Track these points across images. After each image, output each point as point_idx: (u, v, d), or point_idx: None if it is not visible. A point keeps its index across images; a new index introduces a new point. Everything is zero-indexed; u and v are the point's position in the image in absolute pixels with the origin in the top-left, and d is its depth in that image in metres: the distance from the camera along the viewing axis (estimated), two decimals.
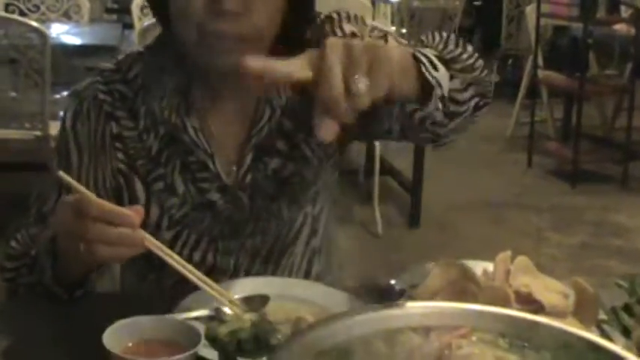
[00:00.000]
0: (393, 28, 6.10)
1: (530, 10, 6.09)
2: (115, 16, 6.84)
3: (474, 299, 1.09)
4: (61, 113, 4.05)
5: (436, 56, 1.20)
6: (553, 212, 4.83)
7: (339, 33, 1.42)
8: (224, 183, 1.40)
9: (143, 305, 1.13)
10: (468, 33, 7.62)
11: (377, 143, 1.33)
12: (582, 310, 1.12)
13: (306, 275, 1.48)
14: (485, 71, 1.31)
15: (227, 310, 1.16)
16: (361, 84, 0.90)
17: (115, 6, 7.13)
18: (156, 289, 1.43)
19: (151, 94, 1.38)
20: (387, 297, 1.20)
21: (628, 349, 0.77)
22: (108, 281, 1.58)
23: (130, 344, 1.05)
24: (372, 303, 1.17)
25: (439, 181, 4.77)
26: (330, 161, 1.49)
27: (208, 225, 1.41)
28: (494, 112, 8.09)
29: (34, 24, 3.86)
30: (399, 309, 0.83)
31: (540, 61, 5.82)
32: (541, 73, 5.81)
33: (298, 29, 1.37)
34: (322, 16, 1.48)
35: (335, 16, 1.46)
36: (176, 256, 1.20)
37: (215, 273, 1.39)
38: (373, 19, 6.19)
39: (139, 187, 1.40)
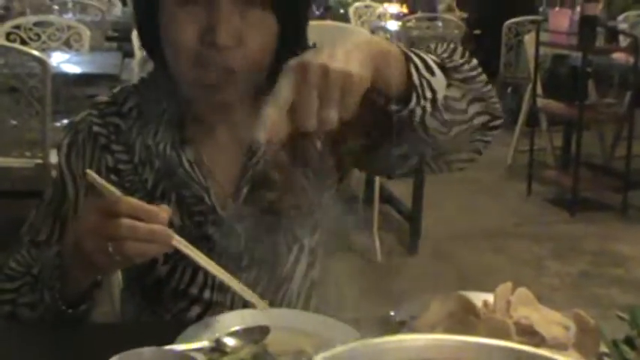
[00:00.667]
0: None
1: (529, 38, 6.12)
2: (115, 45, 6.87)
3: (474, 331, 1.09)
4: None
5: (436, 62, 1.20)
6: (552, 241, 4.82)
7: None
8: (220, 216, 1.39)
9: (144, 336, 1.12)
10: None
11: None
12: (583, 343, 1.12)
13: (305, 307, 1.48)
14: (490, 87, 1.32)
15: (228, 341, 1.16)
16: (332, 114, 0.98)
17: (116, 34, 7.16)
18: (156, 321, 1.43)
19: (146, 128, 1.39)
20: (386, 329, 1.20)
21: None
22: (109, 311, 1.58)
23: None
24: (372, 334, 1.17)
25: (438, 210, 4.77)
26: (330, 192, 1.48)
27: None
28: (494, 140, 8.05)
29: (35, 53, 3.88)
30: (399, 341, 0.83)
31: (539, 90, 5.83)
32: (540, 102, 5.82)
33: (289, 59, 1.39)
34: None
35: None
36: (204, 257, 1.23)
37: (212, 308, 1.38)
38: None
39: None
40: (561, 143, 6.17)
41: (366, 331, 1.19)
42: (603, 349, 1.14)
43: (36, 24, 5.43)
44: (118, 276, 1.63)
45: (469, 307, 1.15)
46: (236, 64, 1.27)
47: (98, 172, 1.37)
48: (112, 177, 1.39)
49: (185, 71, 1.29)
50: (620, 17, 7.53)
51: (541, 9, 7.76)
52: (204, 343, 1.16)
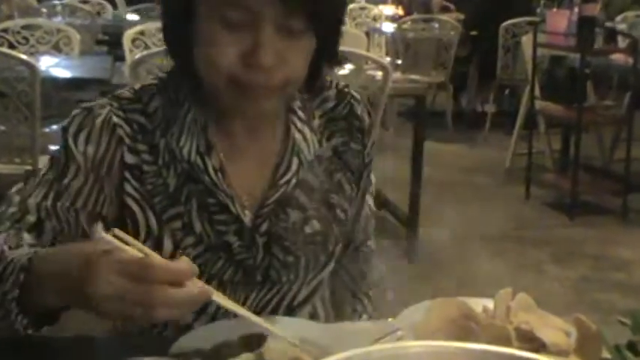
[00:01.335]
0: (388, 59, 6.13)
1: (526, 40, 6.13)
2: (105, 48, 6.87)
3: (475, 338, 1.09)
4: (52, 147, 4.06)
5: None
6: (552, 245, 4.83)
7: (363, 118, 1.51)
8: (243, 226, 1.39)
9: (139, 347, 1.12)
10: (464, 63, 7.66)
11: (372, 177, 1.35)
12: (585, 348, 1.12)
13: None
14: None
15: (225, 348, 1.16)
16: None
17: (106, 38, 7.16)
18: (151, 331, 1.41)
19: (170, 130, 1.37)
20: (385, 336, 1.20)
21: None
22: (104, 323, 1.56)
23: None
24: (371, 342, 1.17)
25: (436, 215, 4.76)
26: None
27: (220, 268, 1.39)
28: (491, 143, 8.16)
29: (24, 57, 3.88)
30: (398, 349, 0.83)
31: (537, 92, 5.84)
32: (538, 104, 5.82)
33: (320, 73, 1.41)
34: (346, 88, 1.53)
35: (358, 96, 1.53)
36: (240, 307, 1.19)
37: (219, 318, 1.37)
38: (368, 50, 6.23)
39: (152, 222, 1.38)
40: (560, 146, 6.18)
41: (364, 339, 1.19)
42: (605, 354, 1.14)
43: (24, 27, 5.40)
44: None
45: (469, 314, 1.15)
46: (276, 82, 1.28)
47: (110, 164, 1.36)
48: (127, 174, 1.36)
49: (222, 86, 1.29)
50: (619, 18, 7.54)
51: (538, 10, 7.76)
52: (199, 351, 1.17)
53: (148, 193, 1.37)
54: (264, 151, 1.43)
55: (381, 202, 4.64)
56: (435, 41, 7.33)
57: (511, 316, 1.16)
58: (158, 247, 1.37)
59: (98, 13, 8.16)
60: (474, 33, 7.63)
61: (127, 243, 1.07)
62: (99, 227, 1.17)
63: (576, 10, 5.92)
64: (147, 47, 4.57)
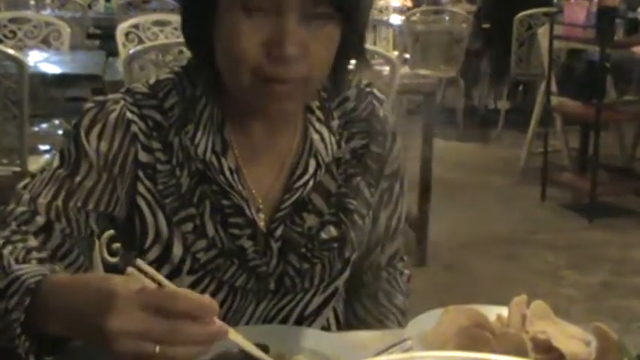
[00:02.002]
0: (396, 53, 6.14)
1: (542, 32, 6.12)
2: (97, 43, 6.89)
3: (488, 347, 1.09)
4: (42, 147, 4.05)
5: None
6: (570, 249, 4.83)
7: (386, 120, 1.51)
8: (258, 230, 1.39)
9: None
10: (476, 57, 7.67)
11: (404, 191, 1.35)
12: (605, 359, 1.12)
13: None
14: None
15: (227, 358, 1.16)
16: None
17: (98, 32, 7.19)
18: None
19: (186, 129, 1.37)
20: (395, 345, 1.20)
21: None
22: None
23: None
24: (380, 351, 1.17)
25: (447, 217, 4.77)
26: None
27: (232, 274, 1.39)
28: (505, 142, 8.17)
29: (11, 52, 3.88)
30: (409, 358, 0.83)
31: (554, 87, 5.84)
32: (555, 100, 5.83)
33: (347, 66, 1.41)
34: (367, 87, 1.53)
35: (381, 96, 1.54)
36: (257, 350, 1.15)
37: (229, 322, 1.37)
38: (374, 43, 6.24)
39: (162, 224, 1.37)
40: (578, 144, 6.18)
41: (374, 348, 1.19)
42: None
43: (11, 20, 5.42)
44: None
45: (482, 322, 1.15)
46: (303, 74, 1.27)
47: (124, 162, 1.35)
48: (140, 173, 1.36)
49: (246, 82, 1.27)
50: None
51: (555, 0, 7.77)
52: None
53: (160, 194, 1.37)
54: (281, 152, 1.42)
55: None
56: (446, 34, 7.33)
57: (527, 324, 1.16)
58: (167, 251, 1.38)
59: (89, 6, 8.16)
60: (486, 25, 7.63)
61: (148, 274, 1.05)
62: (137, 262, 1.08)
63: (596, 0, 5.92)
64: (141, 41, 4.57)
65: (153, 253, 1.38)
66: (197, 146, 1.36)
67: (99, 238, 1.56)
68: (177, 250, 1.38)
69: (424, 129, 4.44)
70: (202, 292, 1.35)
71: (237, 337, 1.11)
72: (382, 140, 1.50)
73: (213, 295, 1.38)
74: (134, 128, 1.36)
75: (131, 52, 3.81)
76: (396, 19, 7.57)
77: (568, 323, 1.19)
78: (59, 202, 1.33)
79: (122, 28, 4.76)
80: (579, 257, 4.71)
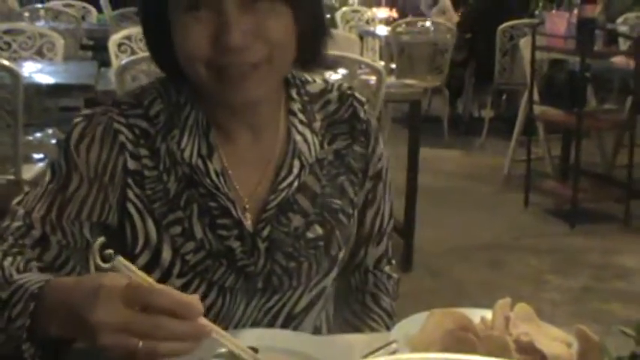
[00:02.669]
0: (382, 63, 6.15)
1: (524, 43, 6.14)
2: (90, 54, 6.87)
3: (473, 349, 1.09)
4: (36, 156, 4.03)
5: None
6: (552, 254, 4.84)
7: (367, 121, 1.51)
8: (245, 231, 1.39)
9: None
10: (460, 67, 7.68)
11: (388, 194, 1.35)
12: None
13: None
14: None
15: None
16: None
17: (91, 43, 7.17)
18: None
19: (170, 134, 1.38)
20: (379, 349, 1.20)
21: None
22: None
23: None
24: (367, 354, 1.17)
25: (433, 223, 4.78)
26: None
27: (221, 275, 1.39)
28: (489, 150, 8.17)
29: (5, 63, 3.86)
30: None
31: (536, 96, 5.85)
32: (537, 109, 5.84)
33: (314, 52, 1.40)
34: (348, 90, 1.52)
35: (362, 98, 1.53)
36: (246, 349, 1.16)
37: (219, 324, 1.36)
38: (361, 54, 6.25)
39: (150, 228, 1.37)
40: (560, 152, 6.20)
41: (361, 351, 1.19)
42: None
43: (6, 32, 5.41)
44: None
45: (466, 325, 1.15)
46: (253, 59, 1.28)
47: (113, 171, 1.36)
48: (129, 180, 1.36)
49: (203, 76, 1.29)
50: (620, 19, 7.56)
51: (537, 12, 7.80)
52: None
53: (148, 199, 1.37)
54: (265, 154, 1.43)
55: None
56: (431, 45, 7.35)
57: (510, 327, 1.16)
58: (157, 255, 1.38)
59: (83, 17, 8.15)
60: (470, 36, 7.65)
61: (132, 271, 1.06)
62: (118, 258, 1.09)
63: (576, 11, 5.95)
64: (133, 52, 4.57)
65: (143, 258, 1.38)
66: (183, 151, 1.37)
67: None
68: (167, 254, 1.38)
69: (410, 137, 4.45)
70: (193, 294, 1.34)
71: (222, 337, 1.12)
72: (364, 141, 1.51)
73: (204, 296, 1.38)
74: (121, 138, 1.36)
75: (123, 62, 3.81)
76: (383, 30, 7.60)
77: (550, 326, 1.19)
78: (53, 215, 1.34)
79: (114, 39, 4.75)
80: (561, 262, 4.72)
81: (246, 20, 1.25)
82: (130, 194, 1.37)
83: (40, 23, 6.90)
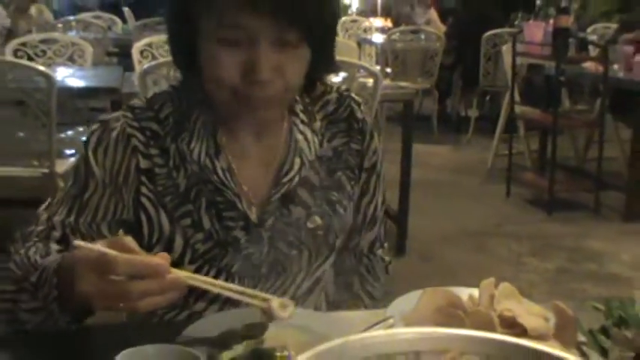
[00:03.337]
0: (379, 67, 6.13)
1: (506, 49, 6.14)
2: (115, 60, 6.87)
3: (461, 324, 1.09)
4: (67, 151, 4.03)
5: None
6: (531, 239, 4.84)
7: (363, 120, 1.50)
8: (249, 222, 1.39)
9: (148, 335, 1.12)
10: (448, 71, 7.67)
11: (381, 184, 1.33)
12: (562, 333, 1.12)
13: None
14: None
15: (228, 337, 1.15)
16: None
17: (116, 50, 7.17)
18: (160, 320, 1.41)
19: (181, 135, 1.37)
20: (379, 323, 1.20)
21: None
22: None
23: None
24: (366, 328, 1.17)
25: (424, 212, 4.78)
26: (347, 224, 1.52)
27: (228, 262, 1.39)
28: (474, 146, 8.14)
29: (41, 68, 3.86)
30: (392, 335, 0.83)
31: (517, 97, 5.85)
32: (517, 109, 5.84)
33: (321, 79, 1.42)
34: (346, 92, 1.52)
35: (358, 99, 1.52)
36: (216, 282, 1.19)
37: (228, 307, 1.37)
38: (359, 59, 6.23)
39: (164, 221, 1.37)
40: (538, 147, 6.19)
41: (361, 326, 1.19)
42: (581, 338, 1.14)
43: (41, 41, 5.42)
44: None
45: (455, 302, 1.15)
46: (274, 93, 1.28)
47: (127, 172, 1.36)
48: (143, 178, 1.37)
49: (226, 99, 1.29)
50: (590, 29, 7.59)
51: (517, 22, 7.78)
52: (205, 339, 1.16)
53: (160, 194, 1.37)
54: (269, 152, 1.42)
55: None
56: (422, 51, 7.34)
57: (495, 303, 1.16)
58: (170, 245, 1.37)
59: (109, 28, 8.16)
60: (456, 43, 7.63)
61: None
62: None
63: (551, 21, 5.93)
64: (154, 58, 4.56)
65: (159, 248, 1.38)
66: (192, 150, 1.36)
67: None
68: (179, 243, 1.38)
69: (403, 134, 4.44)
70: None
71: (196, 281, 1.13)
72: (360, 138, 1.50)
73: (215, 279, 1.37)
74: (134, 141, 1.36)
75: (145, 67, 3.80)
76: (379, 38, 7.59)
77: (530, 302, 1.19)
78: (72, 218, 1.35)
79: (137, 46, 4.75)
80: (539, 246, 4.72)
81: (273, 58, 1.25)
82: (144, 190, 1.37)
83: (72, 33, 6.89)
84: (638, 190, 5.28)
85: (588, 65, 5.58)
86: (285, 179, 1.41)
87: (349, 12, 11.05)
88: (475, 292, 1.21)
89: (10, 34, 6.28)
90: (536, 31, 6.04)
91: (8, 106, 3.84)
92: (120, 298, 1.06)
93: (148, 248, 1.37)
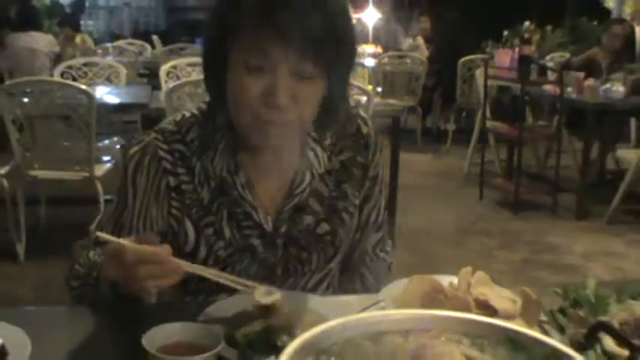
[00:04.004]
0: (370, 87, 6.13)
1: (479, 73, 6.14)
2: (145, 80, 6.87)
3: (443, 306, 1.09)
4: (105, 158, 4.05)
5: None
6: (500, 235, 4.83)
7: (369, 136, 1.47)
8: (264, 231, 1.37)
9: (174, 314, 1.12)
10: (430, 91, 7.67)
11: (381, 191, 1.30)
12: (527, 313, 1.12)
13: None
14: None
15: (242, 317, 1.15)
16: None
17: (147, 72, 7.18)
18: (183, 301, 1.41)
19: (205, 154, 1.35)
20: (373, 306, 1.20)
21: (563, 343, 0.78)
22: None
23: (164, 345, 1.04)
24: (361, 310, 1.17)
25: (408, 212, 4.77)
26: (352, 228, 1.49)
27: (247, 265, 1.37)
28: (453, 154, 8.13)
29: (83, 87, 3.88)
30: (384, 315, 0.83)
31: (488, 114, 5.85)
32: (489, 123, 5.83)
33: (335, 108, 1.34)
34: (354, 110, 1.48)
35: (365, 116, 1.48)
36: (210, 270, 1.21)
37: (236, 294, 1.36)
38: (354, 79, 6.22)
39: (190, 230, 1.36)
40: (506, 156, 6.19)
41: (357, 308, 1.19)
42: (543, 317, 1.15)
43: (84, 64, 5.44)
44: None
45: (438, 288, 1.15)
46: (291, 119, 1.25)
47: (158, 191, 1.35)
48: (173, 194, 1.36)
49: (246, 122, 1.26)
50: (548, 57, 7.64)
51: (488, 49, 7.80)
52: (224, 318, 1.16)
53: (186, 207, 1.35)
54: (283, 167, 1.39)
55: None
56: (407, 73, 7.33)
57: (471, 289, 1.16)
58: (195, 251, 1.36)
59: (140, 53, 8.16)
60: (437, 67, 7.64)
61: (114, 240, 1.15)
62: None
63: (517, 49, 5.95)
64: (178, 78, 4.57)
65: (185, 253, 1.36)
66: (215, 167, 1.35)
67: None
68: (203, 250, 1.36)
69: (391, 144, 4.44)
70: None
71: (193, 268, 1.17)
72: (365, 152, 1.46)
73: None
74: (164, 164, 1.35)
75: (170, 86, 3.81)
76: (370, 62, 7.58)
77: (501, 288, 1.19)
78: (115, 233, 1.33)
79: (164, 68, 4.76)
80: (507, 241, 4.72)
81: (291, 86, 1.22)
82: (173, 204, 1.36)
83: (109, 57, 6.90)
84: (588, 193, 5.29)
85: (547, 87, 5.59)
86: (297, 191, 1.39)
87: None
88: (454, 279, 1.21)
89: (59, 58, 6.29)
90: (504, 57, 6.05)
91: (56, 120, 3.86)
92: (131, 280, 1.10)
93: (177, 254, 1.36)
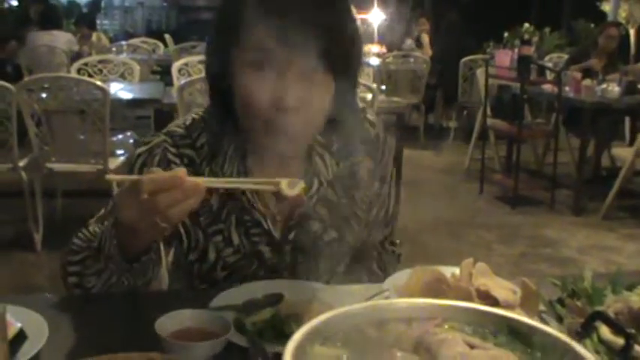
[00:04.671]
0: (375, 85, 6.11)
1: (480, 72, 6.13)
2: (158, 77, 6.88)
3: (445, 296, 1.09)
4: (118, 151, 4.05)
5: None
6: (498, 229, 4.82)
7: (377, 139, 1.43)
8: (273, 238, 1.33)
9: (186, 301, 1.12)
10: (432, 89, 7.66)
11: (385, 188, 1.28)
12: (527, 303, 1.12)
13: None
14: None
15: (251, 305, 1.15)
16: None
17: (159, 69, 7.18)
18: (195, 289, 1.39)
19: (214, 159, 1.30)
20: (378, 296, 1.20)
21: (561, 331, 0.78)
22: (157, 285, 1.54)
23: (176, 331, 1.04)
24: (366, 299, 1.17)
25: (411, 206, 4.77)
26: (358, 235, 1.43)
27: (254, 270, 1.34)
28: (454, 151, 8.12)
29: (98, 83, 3.88)
30: (388, 304, 0.83)
31: (488, 112, 5.84)
32: (489, 121, 5.82)
33: (343, 110, 1.28)
34: (362, 113, 1.43)
35: (373, 119, 1.44)
36: (228, 179, 1.19)
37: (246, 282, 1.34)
38: (359, 78, 6.20)
39: (199, 236, 1.33)
40: (505, 153, 6.18)
41: (362, 297, 1.18)
42: (542, 307, 1.15)
43: (99, 61, 5.46)
44: (168, 258, 1.56)
45: (440, 278, 1.15)
46: (301, 123, 1.18)
47: None
48: None
49: (256, 127, 1.20)
50: (547, 57, 7.62)
51: (489, 50, 7.78)
52: (233, 306, 1.16)
53: (195, 213, 1.30)
54: (291, 174, 1.29)
55: None
56: (411, 72, 7.32)
57: (472, 279, 1.16)
58: (204, 256, 1.33)
59: (153, 50, 8.18)
60: (439, 66, 7.63)
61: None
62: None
63: (516, 50, 5.93)
64: (189, 75, 4.57)
65: (194, 256, 1.34)
66: (224, 173, 1.29)
67: None
68: (212, 255, 1.33)
69: (396, 140, 4.43)
70: (233, 284, 1.30)
71: (211, 182, 1.12)
72: (375, 155, 1.42)
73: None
74: (173, 167, 1.28)
75: (182, 83, 3.80)
76: (375, 61, 7.56)
77: (502, 279, 1.19)
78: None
79: (176, 65, 4.76)
80: (505, 234, 4.71)
81: (300, 88, 1.16)
82: None
83: (123, 55, 6.91)
84: (585, 189, 5.27)
85: (546, 87, 5.58)
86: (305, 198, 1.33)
87: None
88: (457, 270, 1.21)
89: (78, 56, 6.32)
90: (504, 57, 6.04)
91: (72, 114, 3.87)
92: (153, 212, 1.02)
93: (184, 259, 1.35)
